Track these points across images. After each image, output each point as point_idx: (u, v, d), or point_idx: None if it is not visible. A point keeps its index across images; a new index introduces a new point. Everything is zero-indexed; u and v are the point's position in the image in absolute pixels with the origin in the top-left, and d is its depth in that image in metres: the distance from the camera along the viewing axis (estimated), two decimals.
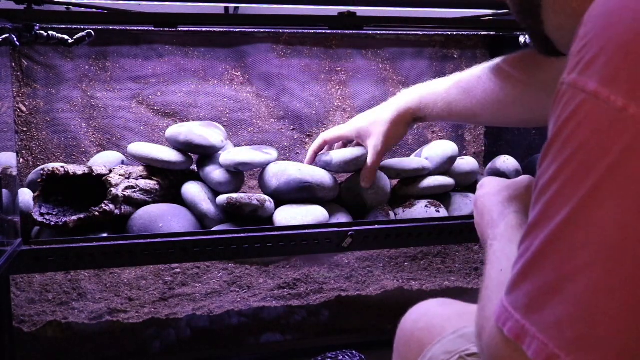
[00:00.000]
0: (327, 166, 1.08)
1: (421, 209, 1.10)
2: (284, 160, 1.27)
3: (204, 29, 1.28)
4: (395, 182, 1.17)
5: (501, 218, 0.61)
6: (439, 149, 1.17)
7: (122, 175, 1.00)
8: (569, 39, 0.42)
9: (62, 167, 0.96)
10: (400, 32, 1.41)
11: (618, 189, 0.36)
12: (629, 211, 0.36)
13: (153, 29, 1.17)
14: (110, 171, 1.00)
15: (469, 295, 1.36)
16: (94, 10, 1.07)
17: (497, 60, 0.91)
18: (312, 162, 1.12)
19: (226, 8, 1.28)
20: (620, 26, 0.37)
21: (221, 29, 1.28)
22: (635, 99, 0.36)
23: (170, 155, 1.06)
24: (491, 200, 0.64)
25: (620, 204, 0.36)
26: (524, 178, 0.68)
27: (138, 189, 1.01)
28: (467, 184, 1.21)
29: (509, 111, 0.90)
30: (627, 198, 0.36)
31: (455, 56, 1.50)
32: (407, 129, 1.04)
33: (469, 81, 0.94)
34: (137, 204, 1.01)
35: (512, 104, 0.88)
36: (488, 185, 0.68)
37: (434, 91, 1.00)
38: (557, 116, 0.40)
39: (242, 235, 0.97)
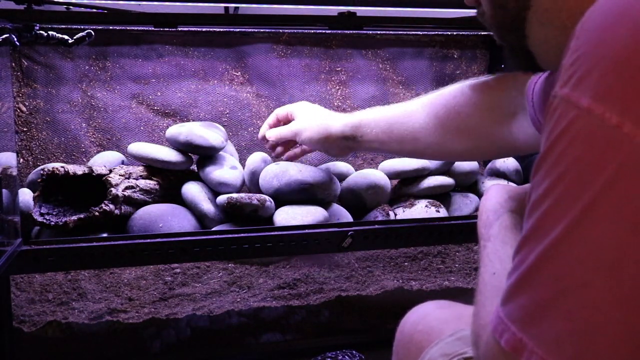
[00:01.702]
0: None
1: (421, 209, 1.10)
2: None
3: (204, 29, 1.28)
4: (395, 182, 1.17)
5: (495, 217, 0.61)
6: None
7: (122, 175, 1.00)
8: (553, 53, 0.41)
9: (62, 167, 0.96)
10: (400, 32, 1.41)
11: (613, 208, 0.36)
12: (624, 230, 0.36)
13: (153, 29, 1.17)
14: (110, 171, 1.00)
15: (469, 295, 1.36)
16: (94, 10, 1.07)
17: (476, 79, 0.87)
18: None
19: (226, 8, 1.28)
20: (614, 42, 0.37)
21: (221, 29, 1.28)
22: (629, 116, 0.36)
23: (170, 155, 1.06)
24: (490, 202, 0.64)
25: (615, 222, 0.36)
26: (527, 185, 0.67)
27: (138, 189, 1.01)
28: (467, 184, 1.21)
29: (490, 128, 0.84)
30: (622, 217, 0.36)
31: (455, 56, 1.51)
32: (327, 139, 0.98)
33: (430, 102, 0.90)
34: (137, 204, 1.01)
35: (498, 119, 0.83)
36: (492, 190, 0.68)
37: (379, 109, 0.96)
38: (550, 130, 0.40)
39: (242, 235, 0.97)
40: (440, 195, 1.15)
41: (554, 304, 0.38)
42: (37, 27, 1.01)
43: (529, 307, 0.39)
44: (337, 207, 1.08)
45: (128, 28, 1.19)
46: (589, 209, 0.37)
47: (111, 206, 0.96)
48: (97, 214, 0.94)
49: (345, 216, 1.07)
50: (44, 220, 0.93)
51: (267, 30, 1.34)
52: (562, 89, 0.39)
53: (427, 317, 0.67)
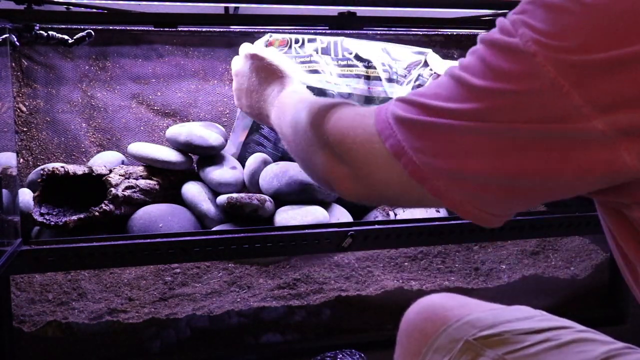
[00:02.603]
0: None
1: (421, 209, 1.10)
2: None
3: (204, 29, 1.28)
4: None
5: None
6: None
7: (122, 176, 1.00)
8: None
9: (62, 167, 0.96)
10: (400, 32, 1.40)
11: (507, 115, 0.46)
12: (507, 134, 0.47)
13: (153, 29, 1.17)
14: (110, 171, 1.00)
15: (469, 295, 1.36)
16: (94, 10, 1.07)
17: None
18: None
19: (226, 8, 1.28)
20: None
21: (221, 29, 1.28)
22: (540, 42, 0.44)
23: (170, 155, 1.06)
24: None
25: (504, 125, 0.46)
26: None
27: (138, 189, 1.01)
28: None
29: None
30: (510, 125, 0.46)
31: (455, 56, 1.50)
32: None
33: None
34: (137, 204, 1.01)
35: None
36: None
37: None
38: (487, 36, 0.49)
39: (242, 235, 0.97)
40: None
41: (449, 153, 0.50)
42: (37, 27, 1.01)
43: (427, 147, 0.51)
44: (337, 207, 1.08)
45: (128, 28, 1.19)
46: (493, 110, 0.47)
47: (111, 206, 0.96)
48: (97, 214, 0.94)
49: (345, 216, 1.07)
50: (44, 220, 0.93)
51: (267, 30, 1.34)
52: (510, 13, 0.48)
53: (431, 306, 0.68)
